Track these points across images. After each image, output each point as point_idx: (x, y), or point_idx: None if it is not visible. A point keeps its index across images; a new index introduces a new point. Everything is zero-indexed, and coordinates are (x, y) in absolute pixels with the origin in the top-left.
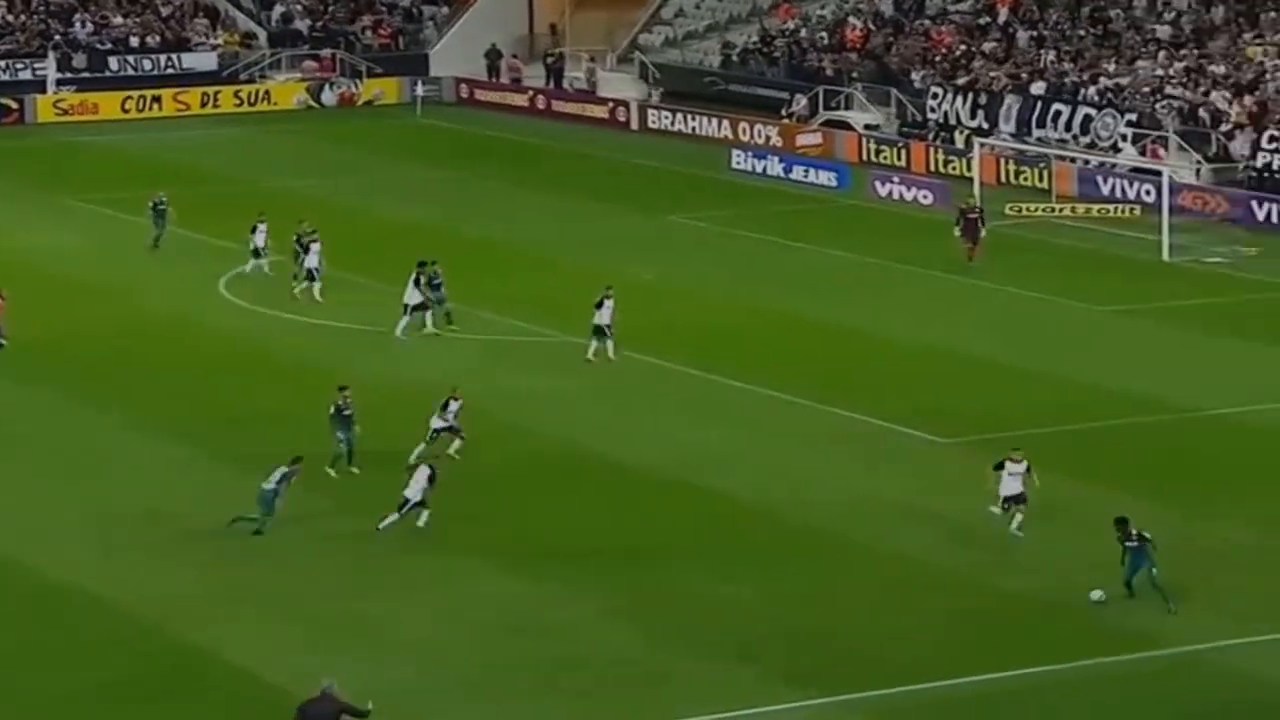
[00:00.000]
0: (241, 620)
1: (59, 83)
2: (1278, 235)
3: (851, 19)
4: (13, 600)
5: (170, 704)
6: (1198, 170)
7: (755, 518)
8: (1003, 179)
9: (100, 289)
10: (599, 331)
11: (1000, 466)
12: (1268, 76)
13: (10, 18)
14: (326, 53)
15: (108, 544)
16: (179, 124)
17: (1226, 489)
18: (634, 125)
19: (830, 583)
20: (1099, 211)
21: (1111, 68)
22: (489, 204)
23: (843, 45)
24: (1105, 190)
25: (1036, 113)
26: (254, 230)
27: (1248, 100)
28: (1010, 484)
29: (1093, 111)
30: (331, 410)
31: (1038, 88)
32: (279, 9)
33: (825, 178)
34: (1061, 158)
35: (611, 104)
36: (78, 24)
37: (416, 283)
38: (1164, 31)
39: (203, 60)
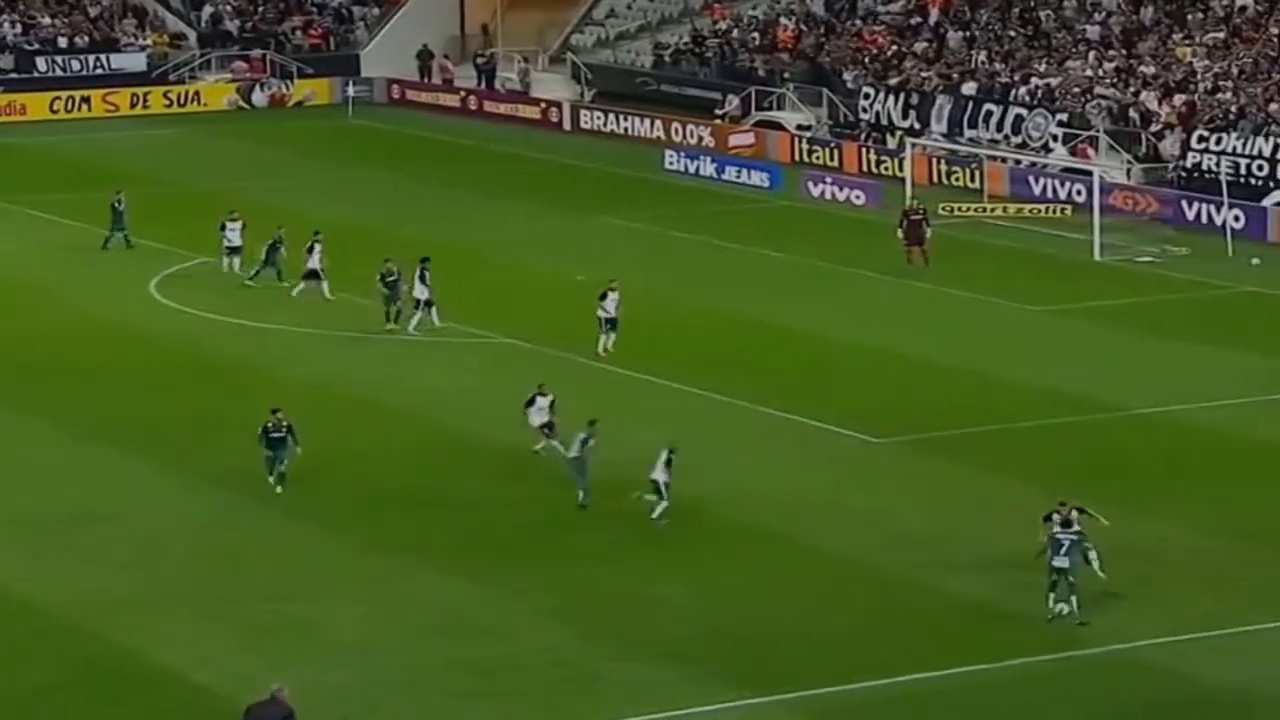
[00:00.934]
0: (173, 622)
1: None
2: (1207, 235)
3: (783, 19)
4: None
5: (101, 706)
6: (1128, 170)
7: (690, 518)
8: (935, 179)
9: (29, 291)
10: (610, 324)
11: (1049, 519)
12: (1197, 77)
13: None
14: (257, 53)
15: (37, 547)
16: (108, 125)
17: (1158, 488)
18: (566, 126)
19: (764, 583)
20: (1030, 211)
21: (1042, 68)
22: (422, 205)
23: (774, 46)
24: (1037, 190)
25: (968, 113)
26: (223, 228)
27: (1177, 100)
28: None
29: (1024, 112)
30: (259, 431)
31: (969, 88)
32: (208, 9)
33: (758, 178)
34: (993, 158)
35: (544, 105)
36: (4, 24)
37: (422, 279)
38: (1094, 32)
39: (132, 61)
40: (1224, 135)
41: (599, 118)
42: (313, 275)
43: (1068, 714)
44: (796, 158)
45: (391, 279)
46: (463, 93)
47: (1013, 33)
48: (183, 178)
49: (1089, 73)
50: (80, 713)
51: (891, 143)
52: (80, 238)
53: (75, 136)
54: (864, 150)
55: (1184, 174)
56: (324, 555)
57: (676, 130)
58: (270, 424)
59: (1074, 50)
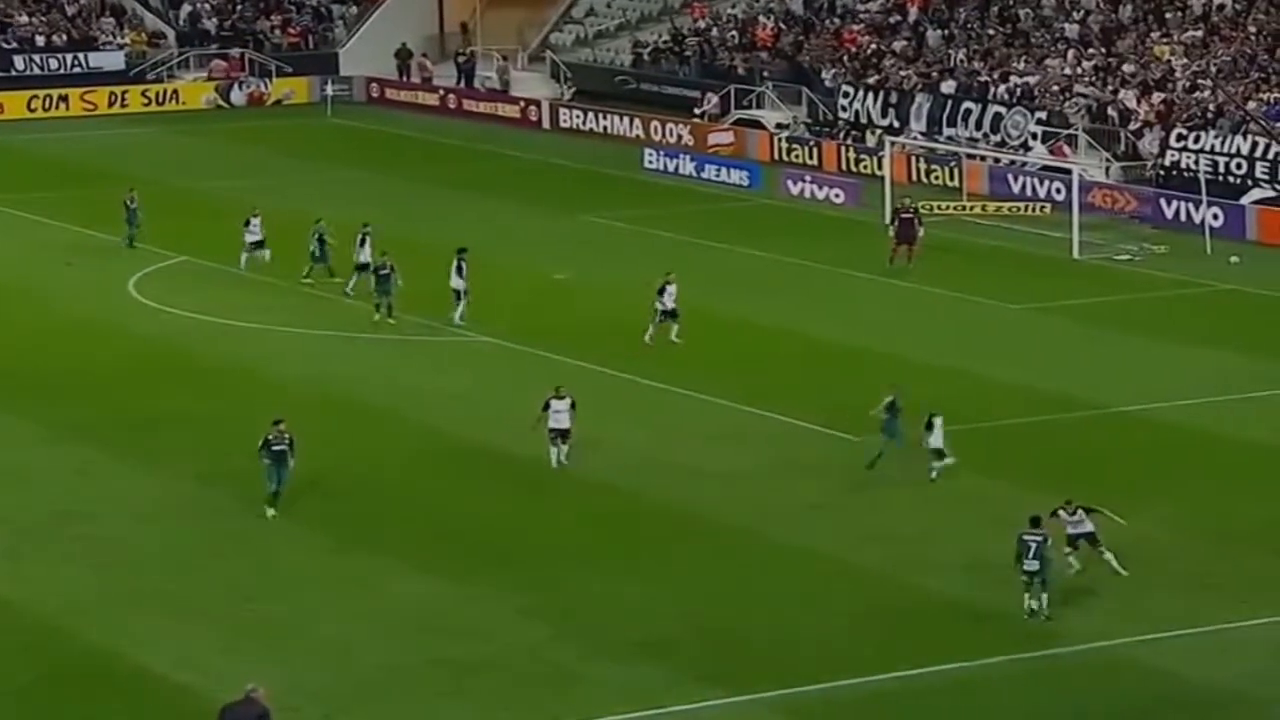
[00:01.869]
0: (151, 623)
1: None
2: (1186, 233)
3: (762, 18)
4: None
5: (80, 706)
6: (1107, 168)
7: (668, 516)
8: (914, 177)
9: (8, 291)
10: (668, 314)
11: (1055, 514)
12: (1175, 75)
13: None
14: (235, 52)
15: (15, 548)
16: (86, 124)
17: (1137, 486)
18: (546, 124)
19: (743, 581)
20: (1010, 210)
21: (1021, 66)
22: (400, 204)
23: (754, 44)
24: (1015, 188)
25: (947, 111)
26: (247, 224)
27: (1156, 99)
28: (1073, 529)
29: (1003, 110)
30: (260, 443)
31: (948, 86)
32: (186, 8)
33: (737, 177)
34: (972, 156)
35: (523, 103)
36: None
37: (460, 271)
38: (1073, 30)
39: (110, 59)
40: (1202, 134)
41: (578, 116)
42: (364, 269)
43: (1048, 712)
44: (776, 156)
45: (384, 272)
46: (442, 91)
47: (992, 31)
48: (161, 177)
49: (1068, 71)
50: (58, 713)
51: (871, 141)
52: (58, 236)
53: (53, 135)
54: (843, 149)
55: (1163, 172)
56: (302, 555)
57: (656, 129)
58: (271, 436)
59: (1053, 49)
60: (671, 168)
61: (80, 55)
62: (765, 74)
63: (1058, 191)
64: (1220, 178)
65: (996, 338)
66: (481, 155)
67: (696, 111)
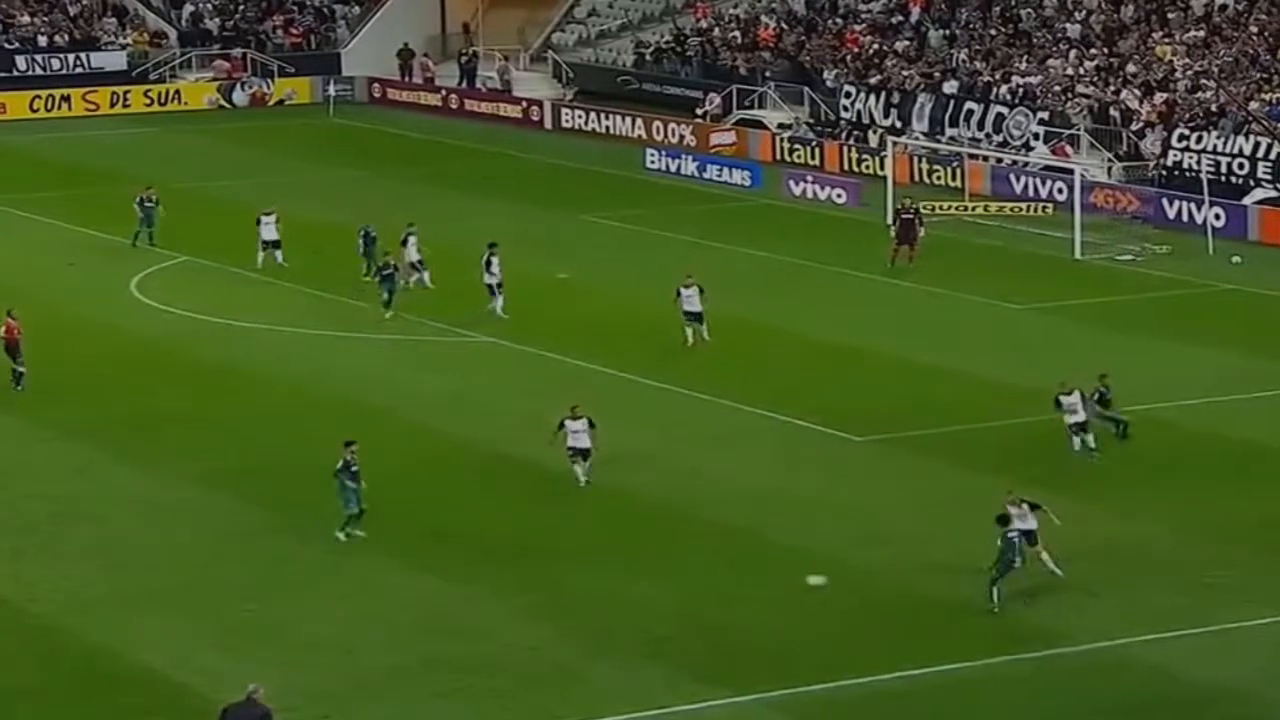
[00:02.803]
0: (152, 622)
1: None
2: (1188, 233)
3: (764, 18)
4: None
5: (81, 705)
6: (1109, 169)
7: (668, 516)
8: (916, 178)
9: (10, 291)
10: (693, 316)
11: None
12: (1177, 75)
13: None
14: (237, 52)
15: (16, 547)
16: (89, 124)
17: (1138, 486)
18: (548, 125)
19: (743, 581)
20: (1012, 210)
21: (1023, 66)
22: (403, 203)
23: (756, 44)
24: (1018, 189)
25: (949, 111)
26: (259, 222)
27: (1158, 99)
28: (1022, 522)
29: (1005, 110)
30: (340, 466)
31: (950, 87)
32: (189, 8)
33: (739, 177)
34: (974, 156)
35: (525, 103)
36: None
37: (488, 266)
38: (1074, 31)
39: (112, 59)
40: (1204, 134)
41: (580, 116)
42: (412, 268)
43: (1050, 712)
44: (778, 156)
45: (387, 272)
46: (444, 91)
47: (994, 31)
48: (163, 177)
49: (1070, 71)
50: (59, 712)
51: (873, 141)
52: (60, 237)
53: (56, 135)
54: (845, 149)
55: (1165, 172)
56: (303, 555)
57: (658, 129)
58: (349, 457)
59: (1055, 49)
60: (673, 168)
61: (82, 55)
62: (767, 74)
63: (1060, 192)
64: (1222, 178)
65: (998, 338)
66: (483, 155)
67: (698, 112)
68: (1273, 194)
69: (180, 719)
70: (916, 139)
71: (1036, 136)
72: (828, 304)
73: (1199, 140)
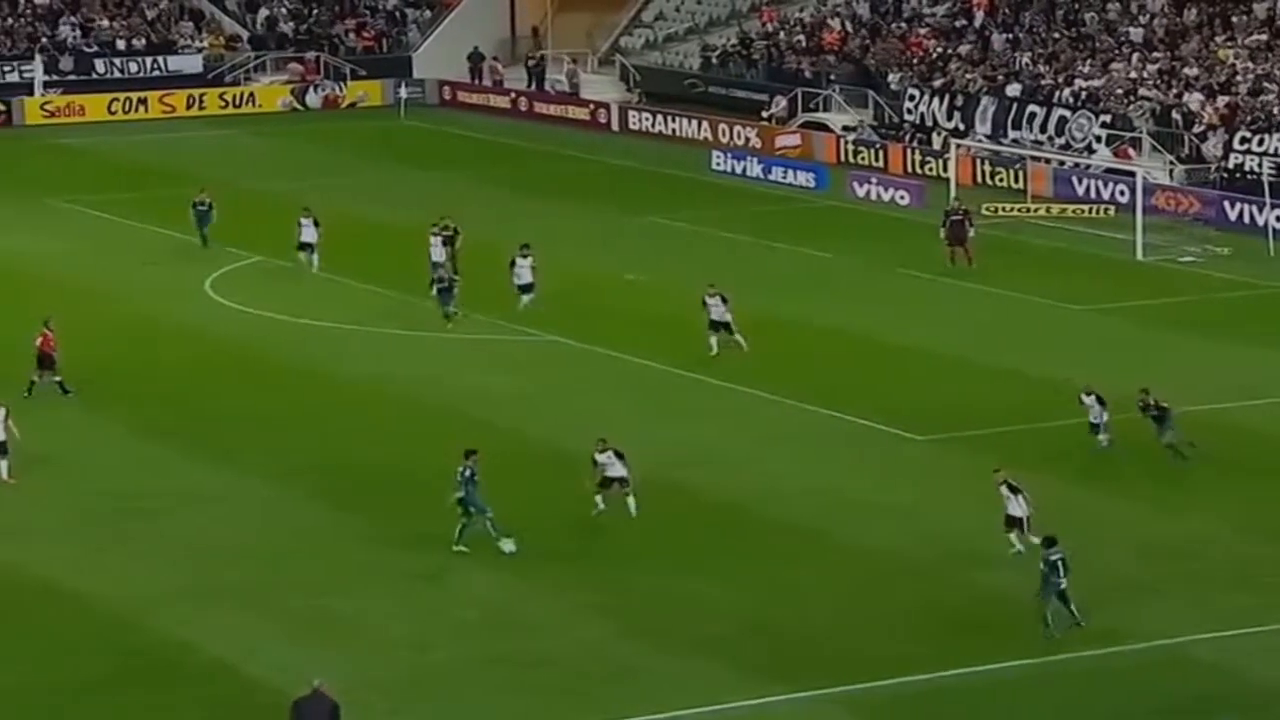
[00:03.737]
0: (223, 616)
1: (46, 85)
2: (1249, 235)
3: (829, 21)
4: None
5: (152, 696)
6: (1171, 171)
7: (729, 514)
8: (979, 179)
9: (86, 291)
10: (724, 327)
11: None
12: (1239, 78)
13: None
14: (310, 55)
15: (90, 542)
16: (165, 126)
17: (1200, 486)
18: (615, 127)
19: (803, 578)
20: (1074, 212)
21: (1086, 70)
22: (472, 205)
23: (821, 48)
24: (1080, 191)
25: (1012, 114)
26: (299, 224)
27: (1220, 102)
28: (1014, 506)
29: (1067, 113)
30: (465, 475)
31: (1013, 89)
32: (263, 12)
33: (804, 178)
34: (1037, 159)
35: (592, 106)
36: (64, 27)
37: (512, 265)
38: (1137, 34)
39: (188, 63)
40: (1266, 136)
41: (647, 119)
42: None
43: (1111, 710)
44: (842, 158)
45: (443, 284)
46: (513, 94)
47: (1057, 35)
48: (238, 178)
49: (1132, 74)
50: (134, 705)
51: (936, 144)
52: (137, 237)
53: (133, 138)
54: (909, 151)
55: (1226, 175)
56: (370, 551)
57: (723, 131)
58: (467, 468)
59: (1117, 52)
60: (739, 169)
61: (159, 59)
62: (832, 77)
63: (1121, 194)
64: None
65: (1059, 339)
66: (551, 157)
67: (764, 114)
68: None
69: (251, 712)
70: (979, 141)
71: (1099, 139)
72: (890, 304)
73: (1260, 143)
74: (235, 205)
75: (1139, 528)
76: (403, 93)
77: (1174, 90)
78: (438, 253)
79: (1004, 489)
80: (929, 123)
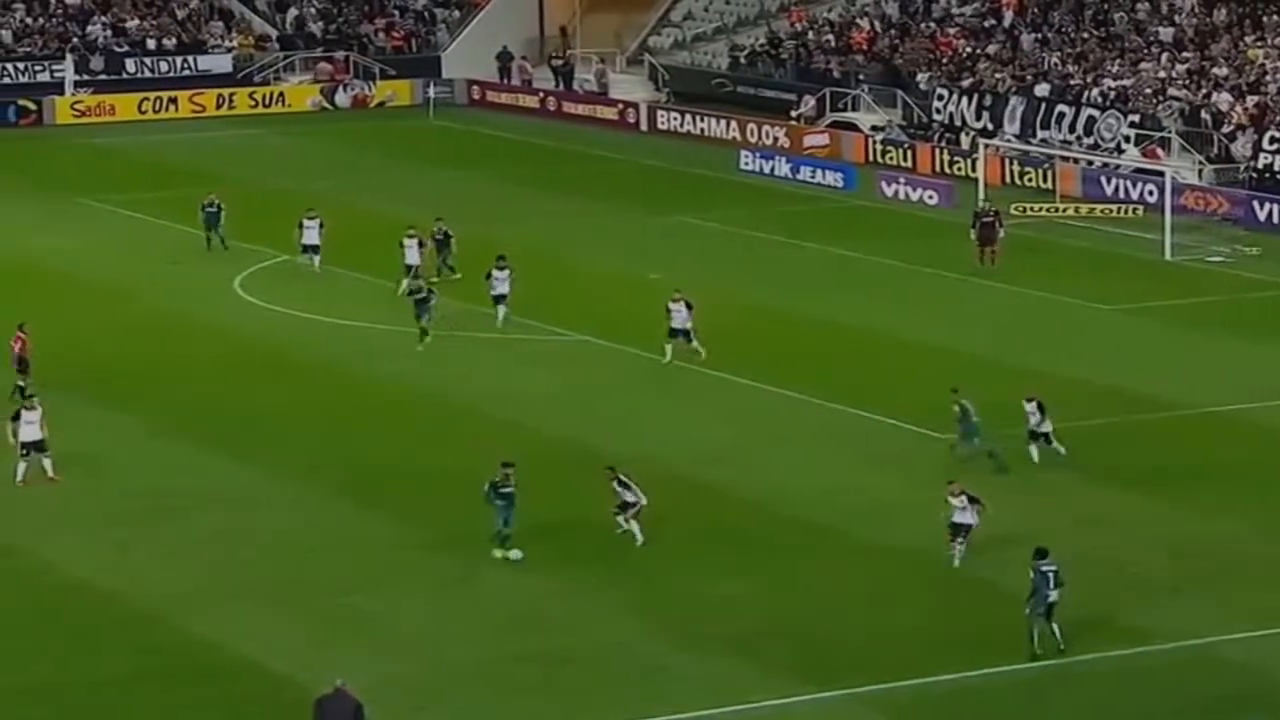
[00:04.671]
0: (249, 614)
1: (77, 85)
2: (1278, 235)
3: (858, 21)
4: (28, 594)
5: (177, 694)
6: (1200, 171)
7: (754, 512)
8: (1007, 179)
9: (116, 290)
10: (683, 334)
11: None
12: (1269, 78)
13: (29, 20)
14: (340, 55)
15: (117, 539)
16: (195, 125)
17: (1228, 486)
18: (643, 126)
19: (829, 577)
20: (1102, 211)
21: (1115, 69)
22: (500, 204)
23: (849, 48)
24: (1108, 190)
25: (1041, 114)
26: (301, 226)
27: (1249, 102)
28: (961, 514)
29: (1096, 113)
30: (487, 486)
31: (1042, 89)
32: (292, 12)
33: (832, 178)
34: (1065, 158)
35: (621, 105)
36: (95, 26)
37: (488, 276)
38: (1167, 34)
39: (218, 62)
40: None
41: (675, 118)
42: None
43: (1136, 709)
44: (870, 158)
45: (420, 295)
46: (541, 94)
47: (1086, 35)
48: (267, 178)
49: (1161, 74)
50: (159, 702)
51: (964, 143)
52: (167, 236)
53: (162, 137)
54: (937, 151)
55: (1255, 175)
56: (395, 549)
57: (752, 131)
58: (499, 478)
59: (1146, 52)
60: (767, 169)
61: (189, 58)
62: (861, 77)
63: (1150, 194)
64: None
65: (1088, 338)
66: (579, 157)
67: (792, 114)
68: None
69: (277, 709)
70: (1008, 141)
71: (1127, 139)
72: (917, 304)
73: None
74: (264, 205)
75: (1166, 527)
76: (431, 92)
77: (1203, 90)
78: (412, 255)
79: (962, 498)
80: (957, 122)
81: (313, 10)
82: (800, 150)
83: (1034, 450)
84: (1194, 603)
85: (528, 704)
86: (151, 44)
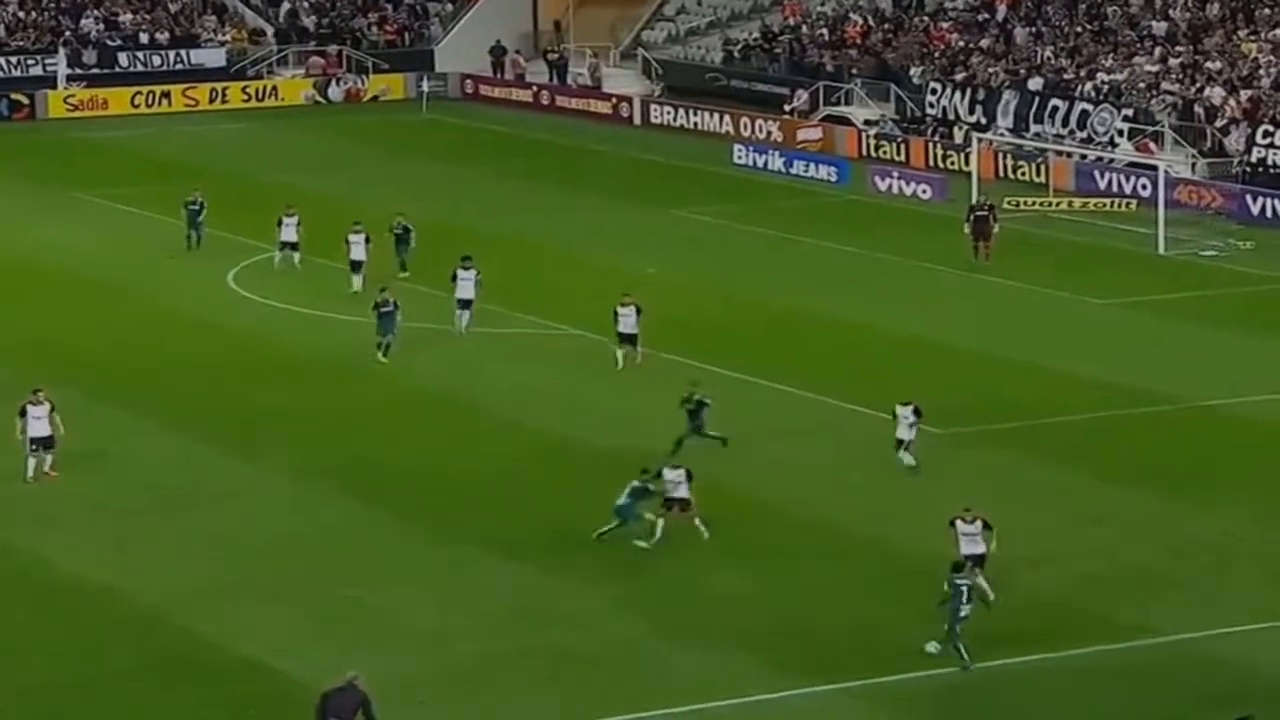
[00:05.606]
0: (251, 611)
1: (69, 79)
2: (1271, 229)
3: (852, 15)
4: (28, 591)
5: (180, 691)
6: (1193, 165)
7: (753, 508)
8: (1001, 173)
9: (109, 284)
10: (630, 340)
11: (953, 524)
12: (1261, 72)
13: (21, 14)
14: (333, 49)
15: (118, 537)
16: (188, 119)
17: (1222, 480)
18: (637, 120)
19: (827, 572)
20: (1096, 206)
21: (1108, 63)
22: (493, 198)
23: (843, 42)
24: (1102, 185)
25: (1034, 108)
26: (280, 223)
27: (1242, 95)
28: (968, 544)
29: (1089, 107)
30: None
31: (1035, 83)
32: (285, 6)
33: (825, 172)
34: (1059, 152)
35: (614, 99)
36: (88, 20)
37: (453, 279)
38: (1160, 28)
39: (211, 56)
40: None
41: (669, 112)
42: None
43: (1134, 704)
44: (864, 152)
45: (386, 309)
46: (535, 88)
47: (1079, 29)
48: (260, 172)
49: (1154, 68)
50: (162, 699)
51: (958, 138)
52: (160, 231)
53: (156, 131)
54: (930, 145)
55: (1248, 169)
56: (397, 545)
57: (745, 125)
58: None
59: (1140, 46)
60: (760, 163)
61: (183, 52)
62: (854, 71)
63: (1144, 187)
64: None
65: (1081, 333)
66: (573, 151)
67: (786, 108)
68: None
69: (280, 706)
70: (1001, 135)
71: (1121, 133)
72: (911, 298)
73: None
74: (257, 199)
75: (1164, 522)
76: (425, 86)
77: (1196, 84)
78: (358, 251)
79: (976, 524)
80: (951, 117)
81: (306, 4)
82: (793, 145)
83: (906, 457)
84: (1190, 597)
85: (531, 698)
86: (144, 38)
